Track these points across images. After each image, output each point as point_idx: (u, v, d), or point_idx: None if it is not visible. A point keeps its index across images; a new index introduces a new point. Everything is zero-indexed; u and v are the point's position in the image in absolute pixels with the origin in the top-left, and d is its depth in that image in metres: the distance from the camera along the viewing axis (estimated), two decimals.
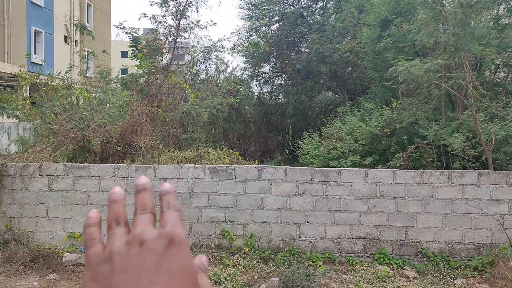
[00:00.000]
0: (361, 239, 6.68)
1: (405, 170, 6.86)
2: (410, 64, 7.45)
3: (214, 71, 15.58)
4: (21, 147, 9.19)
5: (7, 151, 9.79)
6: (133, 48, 11.55)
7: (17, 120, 10.95)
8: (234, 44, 13.69)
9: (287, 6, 16.21)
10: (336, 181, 6.64)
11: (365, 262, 6.56)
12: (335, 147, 9.35)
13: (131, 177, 6.69)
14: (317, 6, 16.58)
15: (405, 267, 6.41)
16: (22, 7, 24.51)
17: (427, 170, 6.75)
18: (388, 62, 9.50)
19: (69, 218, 6.73)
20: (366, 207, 6.65)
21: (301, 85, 15.33)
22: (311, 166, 8.66)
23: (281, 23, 16.19)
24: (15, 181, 6.72)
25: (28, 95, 12.19)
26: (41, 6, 26.03)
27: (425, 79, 7.90)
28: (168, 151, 8.68)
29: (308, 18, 16.05)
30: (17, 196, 6.70)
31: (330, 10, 16.74)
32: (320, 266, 6.38)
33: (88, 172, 6.71)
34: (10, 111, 10.22)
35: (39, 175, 6.71)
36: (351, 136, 9.35)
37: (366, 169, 6.88)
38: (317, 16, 16.48)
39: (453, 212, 6.51)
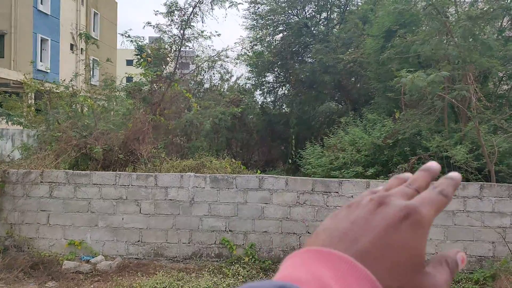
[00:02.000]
0: None
1: None
2: (414, 76, 7.45)
3: (218, 80, 15.65)
4: (24, 154, 9.23)
5: (10, 157, 9.84)
6: (138, 56, 11.63)
7: (21, 127, 11.01)
8: (238, 54, 13.75)
9: (292, 17, 16.29)
10: (337, 192, 6.61)
11: None
12: (337, 157, 9.32)
13: (132, 185, 6.69)
14: (321, 17, 16.66)
15: None
16: (29, 15, 24.77)
17: None
18: (391, 73, 9.50)
19: (70, 226, 6.72)
20: None
21: (305, 95, 15.35)
22: (313, 176, 8.63)
23: (285, 33, 16.26)
24: (16, 187, 6.73)
25: (33, 102, 12.28)
26: (47, 14, 26.31)
27: (429, 91, 7.90)
28: (171, 159, 8.69)
29: (312, 28, 16.12)
30: (18, 203, 6.71)
31: (334, 21, 16.81)
32: None
33: (90, 180, 6.72)
34: (15, 118, 10.29)
35: (41, 182, 6.73)
36: (353, 146, 9.33)
37: (367, 180, 6.85)
38: (321, 26, 16.55)
39: (455, 225, 6.45)
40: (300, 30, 15.63)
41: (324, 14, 16.62)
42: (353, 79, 14.66)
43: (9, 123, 10.61)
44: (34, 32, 25.11)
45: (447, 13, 9.47)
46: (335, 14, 16.85)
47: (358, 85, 14.50)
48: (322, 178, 7.03)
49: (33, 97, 12.67)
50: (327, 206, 6.61)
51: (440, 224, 6.45)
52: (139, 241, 6.69)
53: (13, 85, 21.68)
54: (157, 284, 5.68)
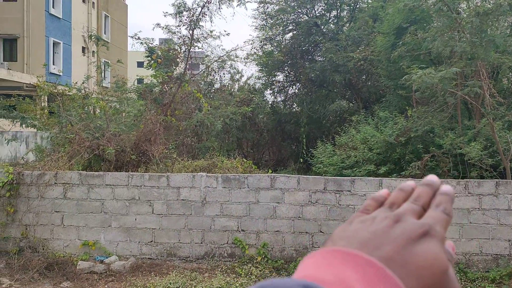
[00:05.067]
0: None
1: (421, 179, 6.74)
2: (424, 73, 7.38)
3: (229, 80, 15.67)
4: (38, 156, 9.33)
5: (25, 159, 9.97)
6: (149, 58, 11.69)
7: (35, 130, 11.13)
8: (247, 54, 13.76)
9: (301, 16, 16.26)
10: (350, 191, 6.57)
11: None
12: (349, 156, 9.28)
13: (144, 186, 6.73)
14: (331, 15, 16.60)
15: None
16: (41, 19, 25.06)
17: (443, 180, 6.64)
18: (402, 70, 9.43)
19: (84, 226, 6.78)
20: None
21: (315, 94, 15.31)
22: (324, 175, 8.60)
23: (295, 32, 16.23)
24: (31, 189, 6.81)
25: (46, 105, 12.41)
26: (59, 18, 26.59)
27: (440, 87, 7.81)
28: (182, 160, 8.72)
29: (322, 27, 16.07)
30: (32, 204, 6.79)
31: (344, 19, 16.74)
32: None
33: (103, 181, 6.78)
34: (29, 121, 10.40)
35: (55, 183, 6.80)
36: (365, 145, 9.28)
37: (380, 178, 6.80)
38: (331, 25, 16.49)
39: (470, 223, 6.37)
40: (310, 29, 15.59)
41: (334, 13, 16.55)
42: (363, 77, 14.59)
43: (23, 126, 10.73)
44: (46, 35, 25.39)
45: (459, 9, 9.36)
46: (345, 12, 16.77)
47: (369, 83, 14.42)
48: (334, 177, 6.99)
49: (46, 100, 12.81)
50: (340, 205, 6.57)
51: (455, 223, 6.38)
52: (152, 241, 6.73)
53: (26, 88, 21.97)
54: (170, 284, 5.71)
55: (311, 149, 11.42)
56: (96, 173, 6.92)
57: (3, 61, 24.07)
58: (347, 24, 16.25)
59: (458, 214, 6.38)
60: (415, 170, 7.69)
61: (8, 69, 22.90)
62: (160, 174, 6.88)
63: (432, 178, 0.51)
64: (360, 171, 8.61)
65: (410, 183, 0.52)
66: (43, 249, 6.69)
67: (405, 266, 0.42)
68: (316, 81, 15.19)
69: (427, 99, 8.86)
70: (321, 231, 6.61)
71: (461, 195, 6.39)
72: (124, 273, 6.25)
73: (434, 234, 0.44)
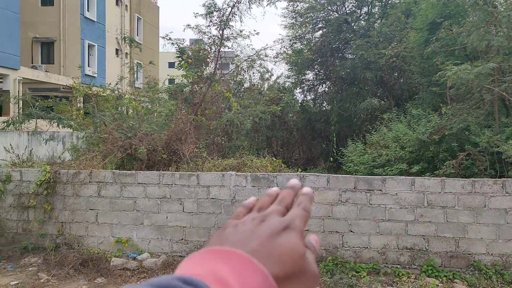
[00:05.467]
0: (408, 250, 6.44)
1: (455, 178, 6.56)
2: (460, 68, 7.16)
3: (258, 80, 15.69)
4: (74, 155, 9.62)
5: (61, 159, 10.30)
6: (179, 58, 11.86)
7: (71, 130, 11.49)
8: (277, 53, 13.73)
9: (331, 13, 16.08)
10: (381, 190, 6.46)
11: (412, 274, 6.32)
12: (380, 154, 9.12)
13: (175, 184, 6.83)
14: (362, 12, 16.35)
15: (456, 280, 6.11)
16: (77, 22, 25.82)
17: (479, 179, 6.42)
18: (436, 66, 9.18)
19: (117, 224, 6.95)
20: (413, 216, 6.42)
21: (346, 92, 15.12)
22: (355, 174, 8.49)
23: (325, 30, 16.08)
24: (67, 187, 7.03)
25: (82, 106, 12.79)
26: (94, 21, 27.32)
27: (476, 84, 7.56)
28: (212, 159, 8.79)
29: (353, 24, 15.85)
30: (68, 202, 7.01)
31: (376, 15, 16.45)
32: (364, 276, 6.21)
33: (135, 179, 6.92)
34: (65, 121, 10.76)
35: (89, 182, 6.99)
36: (397, 143, 9.09)
37: (412, 177, 6.64)
38: (362, 21, 16.24)
39: (508, 223, 6.14)
40: (340, 26, 15.40)
41: (365, 9, 16.30)
42: (396, 74, 14.29)
43: (60, 126, 11.10)
44: (82, 38, 26.15)
45: (495, 3, 9.03)
46: (376, 9, 16.48)
47: (402, 80, 14.12)
48: (364, 176, 6.88)
49: (82, 100, 13.20)
50: (371, 204, 6.47)
51: (491, 223, 6.17)
52: (182, 239, 6.82)
53: (63, 90, 22.73)
54: None
55: (341, 148, 11.29)
56: (128, 172, 7.07)
57: (41, 63, 24.97)
58: (379, 21, 15.97)
59: (495, 214, 6.17)
60: (449, 169, 7.48)
61: (46, 71, 23.74)
62: (190, 173, 6.96)
63: (293, 182, 0.61)
64: (392, 170, 8.44)
65: (274, 189, 0.61)
66: (78, 245, 6.89)
67: (270, 256, 0.50)
68: (346, 79, 15.00)
69: (463, 96, 8.59)
70: (351, 231, 6.53)
71: (498, 194, 6.17)
72: (155, 270, 6.37)
73: (294, 228, 0.53)
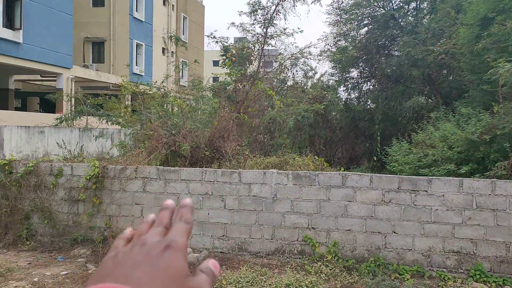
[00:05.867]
0: (454, 253, 6.22)
1: (507, 180, 6.26)
2: None
3: (302, 78, 15.61)
4: (121, 151, 9.98)
5: (110, 154, 10.71)
6: (223, 56, 12.00)
7: (119, 127, 11.91)
8: (321, 50, 13.60)
9: (377, 9, 15.72)
10: (426, 190, 6.26)
11: (458, 278, 6.09)
12: (426, 154, 8.84)
13: (217, 181, 6.93)
14: (409, 7, 15.87)
15: (506, 286, 5.84)
16: (126, 23, 26.68)
17: None
18: (487, 63, 8.78)
19: None
20: (460, 219, 6.18)
21: (391, 90, 14.75)
22: (399, 174, 8.27)
23: (370, 26, 15.74)
24: (114, 182, 7.30)
25: (130, 103, 13.22)
26: (142, 21, 28.13)
27: None
28: (254, 156, 8.85)
29: (400, 20, 15.42)
30: (115, 197, 7.28)
31: (424, 11, 15.92)
32: (407, 279, 6.05)
33: (178, 176, 7.08)
34: (114, 118, 11.16)
35: (135, 177, 7.23)
36: (444, 143, 8.77)
37: (460, 178, 6.39)
38: (410, 17, 15.76)
39: None
40: (386, 23, 15.03)
41: (413, 4, 15.81)
42: (444, 71, 13.78)
43: (109, 123, 11.53)
44: (130, 38, 27.00)
45: None
46: (425, 4, 15.95)
47: (450, 78, 13.60)
48: (409, 176, 6.69)
49: (129, 98, 13.66)
50: (415, 205, 6.29)
51: None
52: (223, 235, 6.91)
53: (112, 88, 23.58)
54: (241, 278, 5.83)
55: (385, 147, 11.03)
56: (172, 168, 7.25)
57: (92, 62, 26.01)
58: (427, 16, 15.44)
59: None
60: (501, 171, 7.13)
61: (97, 70, 24.71)
62: (232, 170, 7.04)
63: (167, 203, 0.61)
64: (439, 171, 8.16)
65: (149, 216, 0.61)
66: None
67: (154, 281, 0.49)
68: (392, 76, 14.62)
69: None
70: (394, 232, 6.38)
71: None
72: (197, 265, 6.46)
73: (175, 246, 0.53)
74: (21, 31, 18.83)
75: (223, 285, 5.65)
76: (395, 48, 15.38)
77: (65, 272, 6.17)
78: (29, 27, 19.25)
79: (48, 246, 7.26)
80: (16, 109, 25.26)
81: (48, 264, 6.54)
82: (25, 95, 29.15)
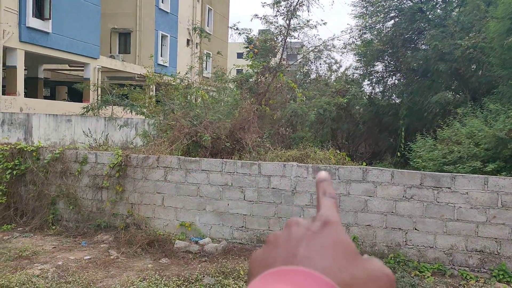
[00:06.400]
0: (478, 252, 6.09)
1: None
2: None
3: (326, 71, 15.47)
4: (144, 140, 10.12)
5: (133, 144, 10.88)
6: (247, 48, 11.98)
7: (143, 117, 12.07)
8: (344, 43, 13.43)
9: (405, 1, 15.40)
10: (450, 188, 6.14)
11: (481, 278, 5.97)
12: (451, 151, 8.66)
13: (237, 173, 6.96)
14: (438, 0, 15.48)
15: None
16: (151, 14, 26.92)
17: None
18: None
19: (181, 208, 7.23)
20: (485, 217, 6.04)
21: (417, 85, 14.46)
22: (423, 171, 8.14)
23: (397, 19, 15.44)
24: (136, 171, 7.42)
25: (154, 94, 13.38)
26: (167, 12, 28.33)
27: None
28: (275, 149, 8.84)
29: (428, 13, 15.07)
30: (138, 185, 7.40)
31: (454, 4, 15.49)
32: (428, 277, 5.97)
33: (199, 166, 7.14)
34: (138, 108, 11.31)
35: (157, 166, 7.33)
36: (471, 139, 8.58)
37: (485, 176, 6.24)
38: (438, 10, 15.38)
39: None
40: (413, 15, 14.71)
41: None
42: (473, 66, 13.42)
43: (133, 113, 11.70)
44: (156, 29, 27.25)
45: None
46: None
47: (480, 73, 13.24)
48: (432, 172, 6.57)
49: (153, 89, 13.82)
50: (438, 202, 6.18)
51: None
52: (242, 226, 6.95)
53: (137, 79, 23.90)
54: None
55: (409, 143, 10.85)
56: (193, 158, 7.31)
57: (118, 53, 26.39)
58: (456, 9, 15.03)
59: None
60: None
61: (123, 60, 25.06)
62: (252, 162, 7.05)
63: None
64: (464, 168, 7.99)
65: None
66: (145, 226, 7.26)
67: (323, 260, 0.46)
68: (418, 71, 14.34)
69: None
70: (415, 229, 6.29)
71: None
72: (216, 255, 6.56)
73: (333, 221, 0.50)
74: (50, 21, 19.24)
75: (241, 276, 5.70)
76: (422, 42, 15.07)
77: (88, 257, 6.32)
78: (58, 18, 19.65)
79: (72, 231, 7.45)
80: (45, 97, 25.91)
81: (72, 248, 6.72)
82: (53, 84, 29.85)
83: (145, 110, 11.12)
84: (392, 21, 15.64)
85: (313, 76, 15.10)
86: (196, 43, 30.34)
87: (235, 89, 11.67)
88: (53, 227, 7.51)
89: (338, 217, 0.52)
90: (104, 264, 6.10)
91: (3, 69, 18.14)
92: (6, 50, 17.73)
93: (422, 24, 14.69)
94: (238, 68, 12.71)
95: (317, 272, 0.44)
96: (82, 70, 23.31)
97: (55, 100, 25.35)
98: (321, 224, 0.50)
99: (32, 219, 7.66)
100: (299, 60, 13.83)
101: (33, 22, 18.50)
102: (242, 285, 5.45)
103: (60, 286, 5.29)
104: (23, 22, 18.09)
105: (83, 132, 11.36)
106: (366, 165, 7.55)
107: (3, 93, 17.99)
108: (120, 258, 6.40)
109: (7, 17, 17.39)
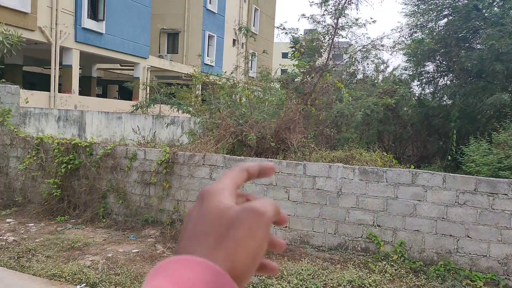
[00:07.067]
0: None
1: None
2: None
3: (373, 71, 15.11)
4: (190, 138, 10.31)
5: (180, 142, 11.11)
6: (292, 48, 11.93)
7: (189, 115, 12.31)
8: (393, 42, 13.05)
9: None
10: (506, 194, 5.82)
11: None
12: (508, 155, 8.23)
13: (281, 173, 6.93)
14: None
15: None
16: (199, 14, 27.40)
17: None
18: None
19: None
20: None
21: (470, 86, 13.83)
22: (476, 176, 7.77)
23: (450, 18, 14.82)
24: (183, 168, 7.56)
25: (200, 93, 13.61)
26: (215, 13, 28.74)
27: None
28: (320, 150, 8.74)
29: (484, 11, 14.37)
30: (184, 182, 7.53)
31: None
32: (480, 287, 5.69)
33: None
34: (184, 107, 11.55)
35: (203, 164, 7.43)
36: None
37: None
38: (495, 8, 14.63)
39: None
40: (468, 14, 14.07)
41: None
42: None
43: (180, 111, 11.95)
44: (203, 29, 27.71)
45: None
46: None
47: None
48: (487, 178, 6.26)
49: (200, 88, 14.05)
50: (493, 209, 5.88)
51: None
52: (286, 227, 6.92)
53: (184, 78, 24.41)
54: (302, 270, 5.81)
55: (461, 146, 10.41)
56: (238, 157, 7.36)
57: (167, 53, 27.05)
58: None
59: None
60: None
61: (171, 60, 25.67)
62: (297, 162, 7.00)
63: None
64: None
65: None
66: None
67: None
68: (472, 71, 13.70)
69: None
70: (468, 236, 6.01)
71: None
72: None
73: (206, 190, 0.51)
74: (104, 22, 20.02)
75: (284, 276, 5.67)
76: (477, 41, 14.38)
77: (136, 250, 6.51)
78: (111, 19, 20.40)
79: (121, 225, 7.70)
80: (98, 95, 27.00)
81: (121, 241, 6.94)
82: (105, 83, 31.05)
83: (191, 108, 11.33)
84: (445, 20, 15.03)
85: (359, 76, 14.81)
86: (242, 43, 30.57)
87: (280, 89, 11.64)
88: (104, 220, 7.80)
89: (213, 186, 0.50)
90: (150, 258, 6.25)
91: (59, 68, 19.06)
92: (62, 50, 18.62)
93: (478, 23, 14.03)
94: (283, 68, 12.67)
95: (194, 257, 0.43)
96: (132, 70, 24.09)
97: (106, 98, 26.39)
98: (198, 201, 0.50)
99: (84, 212, 7.99)
100: (346, 60, 13.61)
101: (88, 23, 19.31)
102: (285, 286, 5.42)
103: (109, 278, 5.48)
104: (79, 23, 18.92)
105: (132, 129, 11.73)
106: (414, 168, 7.31)
107: (59, 91, 18.91)
108: (166, 252, 6.54)
109: (64, 18, 18.25)
